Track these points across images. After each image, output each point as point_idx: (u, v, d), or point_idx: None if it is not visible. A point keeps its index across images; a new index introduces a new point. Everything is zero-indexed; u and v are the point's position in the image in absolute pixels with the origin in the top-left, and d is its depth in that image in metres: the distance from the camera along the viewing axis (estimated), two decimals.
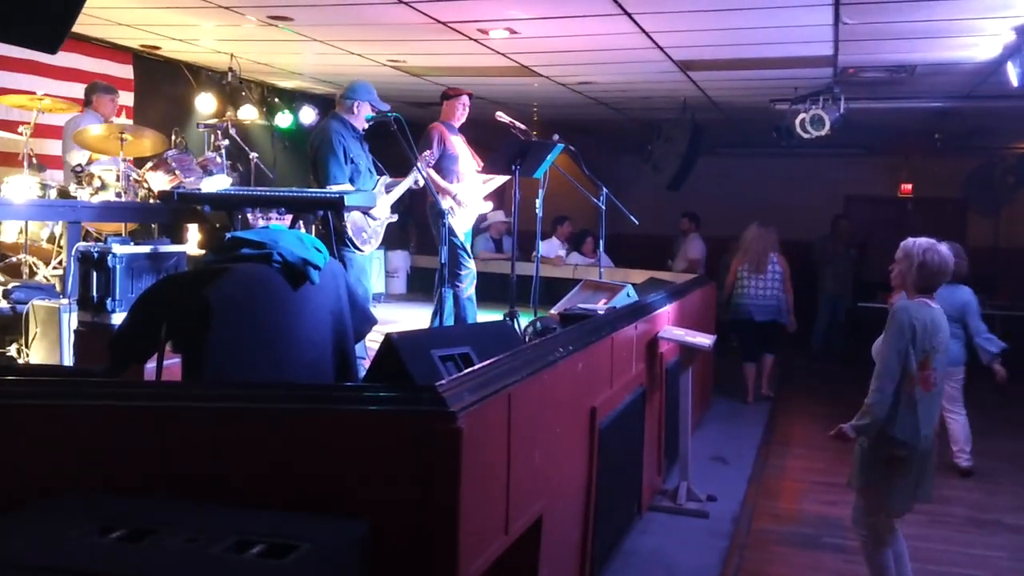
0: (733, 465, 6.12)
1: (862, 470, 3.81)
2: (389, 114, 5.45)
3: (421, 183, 5.71)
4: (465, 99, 6.51)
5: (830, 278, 11.26)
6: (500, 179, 6.49)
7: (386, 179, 5.76)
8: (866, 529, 3.85)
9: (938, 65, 7.60)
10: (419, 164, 5.49)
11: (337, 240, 5.30)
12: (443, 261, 5.32)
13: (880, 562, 3.82)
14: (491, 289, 6.46)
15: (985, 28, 6.23)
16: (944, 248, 3.79)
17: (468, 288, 6.29)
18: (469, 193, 6.36)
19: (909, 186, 14.23)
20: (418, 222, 11.89)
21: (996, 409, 7.55)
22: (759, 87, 8.94)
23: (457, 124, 6.50)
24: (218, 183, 6.24)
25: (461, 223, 6.30)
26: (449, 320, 6.24)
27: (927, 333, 3.67)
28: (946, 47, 6.93)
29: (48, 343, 4.81)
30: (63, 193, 5.90)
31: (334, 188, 5.33)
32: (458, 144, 6.39)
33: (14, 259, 5.81)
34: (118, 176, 6.06)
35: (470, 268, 6.33)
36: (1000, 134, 12.04)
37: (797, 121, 8.72)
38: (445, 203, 6.10)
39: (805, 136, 8.71)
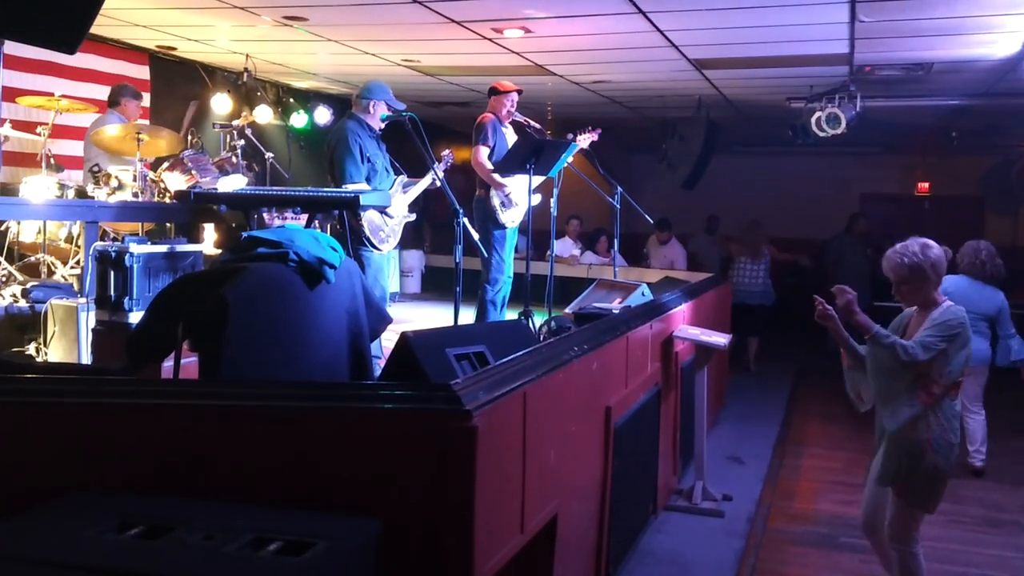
0: (748, 465, 6.10)
1: (897, 469, 3.61)
2: (404, 114, 5.46)
3: (438, 183, 5.68)
4: (514, 96, 6.33)
5: (846, 277, 11.20)
6: (537, 179, 6.16)
7: (403, 178, 5.77)
8: (905, 544, 3.63)
9: (955, 63, 7.54)
10: (435, 165, 5.49)
11: (355, 239, 5.32)
12: (457, 261, 5.30)
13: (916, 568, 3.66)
14: None
15: (1004, 25, 6.18)
16: (925, 240, 3.69)
17: (492, 291, 6.23)
18: (519, 190, 6.19)
19: (926, 184, 14.14)
20: (431, 222, 11.95)
21: (1012, 409, 7.49)
22: (775, 85, 8.91)
23: (505, 121, 6.37)
24: (234, 183, 6.26)
25: (510, 220, 6.21)
26: (498, 316, 6.22)
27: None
28: (963, 44, 6.88)
29: (66, 342, 4.84)
30: (81, 193, 5.94)
31: (350, 187, 5.34)
32: (505, 139, 6.31)
33: (33, 259, 5.87)
34: (135, 176, 6.10)
35: (501, 272, 6.25)
36: (1018, 132, 11.94)
37: (813, 119, 8.70)
38: (494, 199, 6.08)
39: (821, 134, 8.69)
